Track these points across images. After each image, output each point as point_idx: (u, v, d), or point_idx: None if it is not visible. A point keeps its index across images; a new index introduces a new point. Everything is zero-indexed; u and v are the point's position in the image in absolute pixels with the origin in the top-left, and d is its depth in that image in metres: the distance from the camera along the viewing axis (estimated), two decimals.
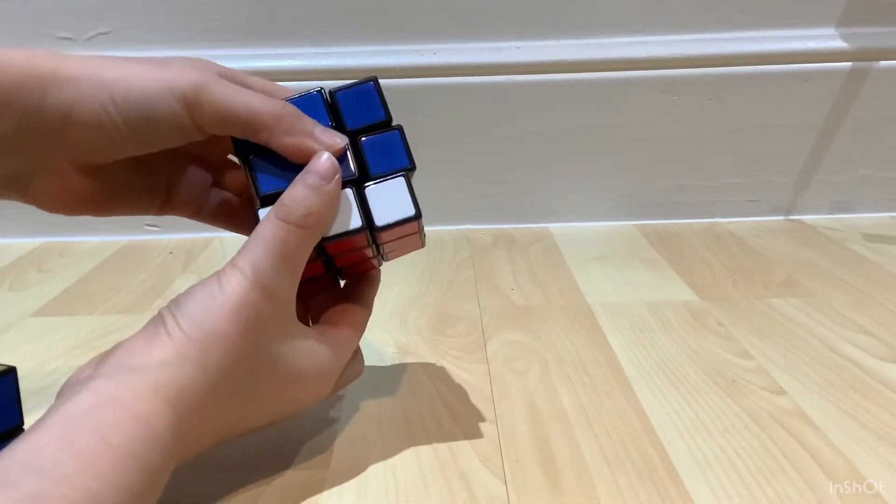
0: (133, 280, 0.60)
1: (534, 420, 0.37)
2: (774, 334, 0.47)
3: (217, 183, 0.36)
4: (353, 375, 0.35)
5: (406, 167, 0.32)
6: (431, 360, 0.44)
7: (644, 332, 0.47)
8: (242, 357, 0.28)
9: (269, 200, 0.31)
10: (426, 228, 0.34)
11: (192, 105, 0.30)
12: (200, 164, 0.36)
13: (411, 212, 0.31)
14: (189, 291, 0.29)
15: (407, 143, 0.33)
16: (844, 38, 0.70)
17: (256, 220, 0.30)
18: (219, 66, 0.33)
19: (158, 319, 0.28)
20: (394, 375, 0.42)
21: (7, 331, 0.50)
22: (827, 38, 0.70)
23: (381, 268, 0.37)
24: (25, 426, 0.31)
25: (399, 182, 0.32)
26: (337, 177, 0.30)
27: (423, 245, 0.36)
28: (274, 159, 0.31)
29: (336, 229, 0.31)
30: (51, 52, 0.29)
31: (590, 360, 0.43)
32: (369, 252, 0.33)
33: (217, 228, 0.37)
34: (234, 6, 0.69)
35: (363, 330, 0.35)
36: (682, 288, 0.55)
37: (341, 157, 0.31)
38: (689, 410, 0.37)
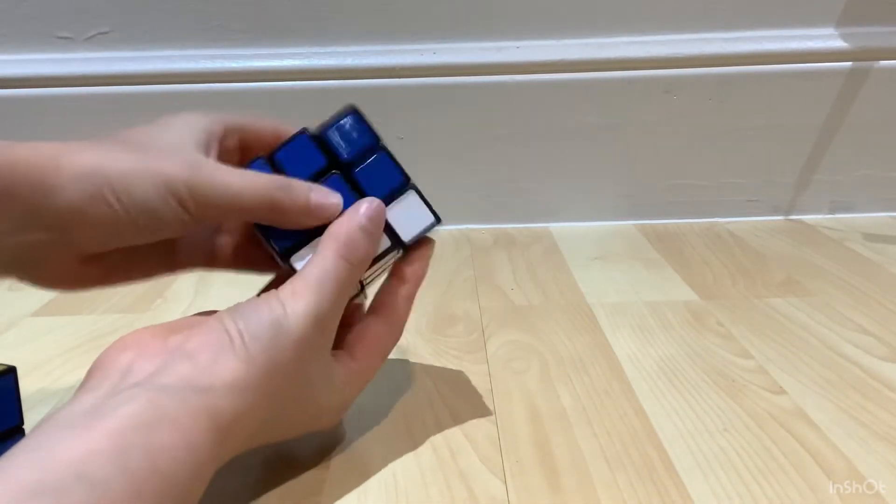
0: None
1: (534, 420, 0.37)
2: (774, 334, 0.47)
3: (219, 228, 0.37)
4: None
5: (403, 183, 0.33)
6: (431, 360, 0.44)
7: (644, 332, 0.47)
8: (293, 385, 0.29)
9: (290, 253, 0.32)
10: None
11: (187, 205, 0.30)
12: None
13: (431, 219, 0.33)
14: (253, 307, 0.29)
15: (396, 160, 0.33)
16: (844, 37, 0.70)
17: (293, 271, 0.31)
18: (217, 122, 0.33)
19: (221, 329, 0.28)
20: (394, 375, 0.42)
21: (7, 331, 0.50)
22: (827, 38, 0.70)
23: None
24: (25, 426, 0.31)
25: (412, 196, 0.33)
26: (381, 222, 0.32)
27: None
28: None
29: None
30: (51, 144, 0.29)
31: (590, 360, 0.43)
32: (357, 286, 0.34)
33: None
34: (234, 6, 0.69)
35: (386, 354, 0.35)
36: (682, 288, 0.55)
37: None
38: (689, 410, 0.37)
